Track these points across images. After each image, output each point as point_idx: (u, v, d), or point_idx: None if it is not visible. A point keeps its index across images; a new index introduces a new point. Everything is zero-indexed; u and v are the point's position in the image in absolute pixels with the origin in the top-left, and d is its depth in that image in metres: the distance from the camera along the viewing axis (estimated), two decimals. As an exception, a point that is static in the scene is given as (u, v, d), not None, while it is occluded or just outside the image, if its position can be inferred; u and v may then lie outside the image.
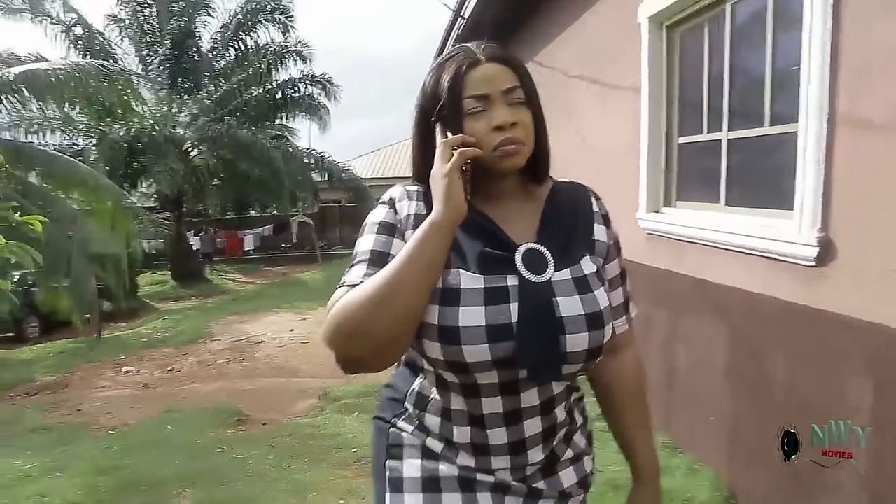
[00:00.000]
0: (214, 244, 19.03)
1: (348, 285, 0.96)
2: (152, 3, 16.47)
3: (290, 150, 16.79)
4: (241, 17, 16.82)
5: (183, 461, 3.81)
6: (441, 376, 1.00)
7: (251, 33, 17.01)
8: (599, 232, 1.07)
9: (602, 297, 1.00)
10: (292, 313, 10.09)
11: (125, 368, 7.37)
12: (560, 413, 1.05)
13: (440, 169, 0.92)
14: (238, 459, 3.85)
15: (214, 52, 17.18)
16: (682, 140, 3.26)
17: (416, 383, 1.07)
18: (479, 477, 1.03)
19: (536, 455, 1.03)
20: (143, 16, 16.52)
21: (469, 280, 0.95)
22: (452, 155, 0.92)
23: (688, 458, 3.17)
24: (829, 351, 2.10)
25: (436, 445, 1.05)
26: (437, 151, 0.95)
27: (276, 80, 17.02)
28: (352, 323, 0.90)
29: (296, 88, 17.25)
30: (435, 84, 1.02)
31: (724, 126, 2.83)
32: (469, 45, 1.03)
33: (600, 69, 3.84)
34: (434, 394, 1.04)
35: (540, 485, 1.06)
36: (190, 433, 4.40)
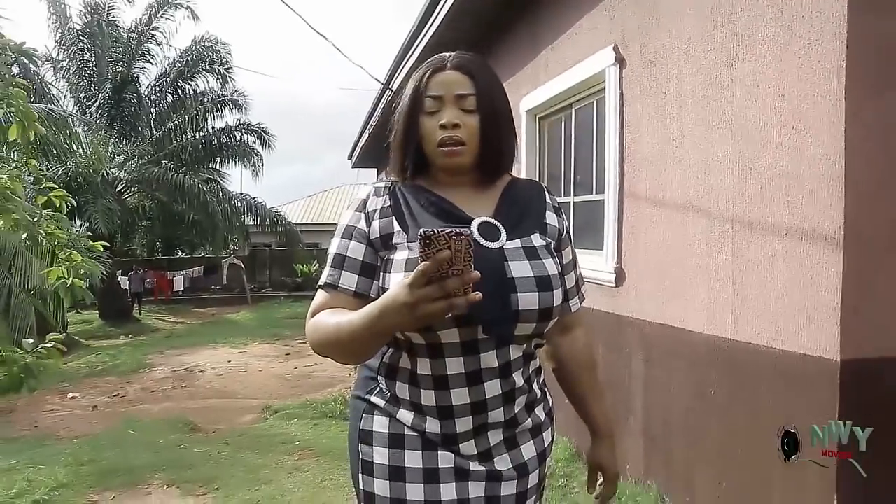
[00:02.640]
0: (144, 284, 19.13)
1: (321, 286, 1.16)
2: (91, 47, 16.98)
3: (223, 193, 17.36)
4: (180, 65, 17.52)
5: (150, 455, 4.54)
6: (409, 341, 1.10)
7: (190, 82, 17.72)
8: (551, 217, 1.23)
9: (551, 266, 1.13)
10: (229, 347, 10.69)
11: (70, 394, 7.83)
12: (518, 378, 1.13)
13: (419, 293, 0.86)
14: (198, 452, 4.63)
15: (153, 97, 17.72)
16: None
17: (386, 356, 1.17)
18: (441, 463, 1.12)
19: (498, 416, 1.12)
20: (83, 60, 16.95)
21: None
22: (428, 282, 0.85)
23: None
24: (623, 340, 3.24)
25: (406, 416, 1.14)
26: (416, 273, 0.85)
27: (213, 127, 17.71)
28: (320, 350, 1.09)
29: (231, 136, 17.94)
30: (411, 81, 1.18)
31: (572, 192, 4.03)
32: (447, 53, 1.20)
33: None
34: (402, 362, 1.14)
35: (501, 464, 1.15)
36: (151, 436, 5.12)
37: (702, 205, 2.58)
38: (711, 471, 2.55)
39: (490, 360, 1.09)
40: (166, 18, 17.41)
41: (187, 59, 17.44)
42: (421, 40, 5.22)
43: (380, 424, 1.16)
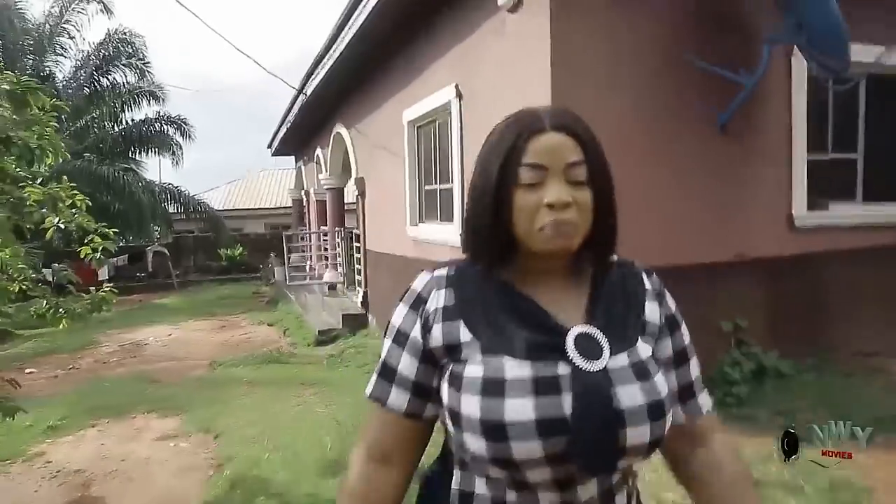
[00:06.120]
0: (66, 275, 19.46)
1: (369, 396, 1.01)
2: (1, 39, 17.08)
3: (143, 183, 17.92)
4: (95, 59, 17.85)
5: (128, 396, 5.84)
6: (484, 471, 0.92)
7: (107, 75, 18.11)
8: (651, 310, 1.00)
9: (662, 383, 0.92)
10: (166, 325, 11.68)
11: (28, 370, 8.77)
12: (621, 499, 0.97)
13: None
14: (164, 393, 5.96)
15: (69, 91, 18.01)
16: (426, 188, 6.02)
17: (455, 481, 0.98)
18: None
19: None
20: (-10, 52, 17.01)
21: (514, 368, 0.87)
22: None
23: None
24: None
25: None
26: None
27: (132, 119, 18.23)
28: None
29: (151, 127, 18.50)
30: (495, 145, 0.96)
31: (439, 181, 5.60)
32: (537, 108, 0.97)
33: (390, 143, 6.54)
34: (479, 487, 0.95)
35: None
36: (122, 387, 6.38)
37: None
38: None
39: (589, 490, 0.92)
40: (78, 11, 17.68)
41: (103, 53, 17.77)
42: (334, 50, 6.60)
43: None
